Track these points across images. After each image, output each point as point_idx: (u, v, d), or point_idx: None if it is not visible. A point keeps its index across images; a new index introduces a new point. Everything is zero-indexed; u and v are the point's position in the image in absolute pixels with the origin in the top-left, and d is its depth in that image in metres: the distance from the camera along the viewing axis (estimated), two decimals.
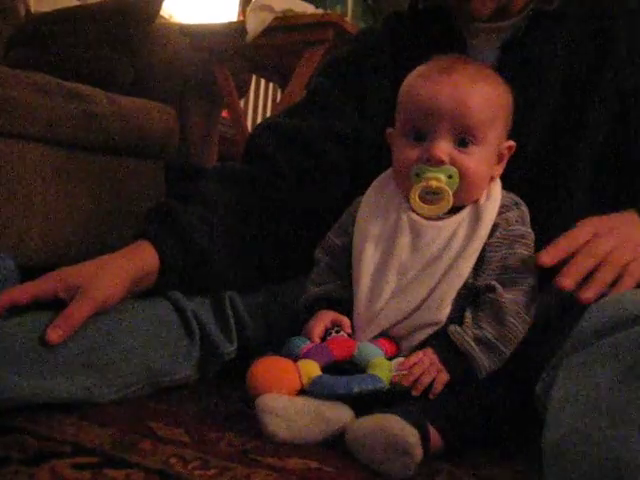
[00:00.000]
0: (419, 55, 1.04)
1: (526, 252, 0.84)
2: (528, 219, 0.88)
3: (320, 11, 2.08)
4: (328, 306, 0.88)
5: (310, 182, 1.08)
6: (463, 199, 0.85)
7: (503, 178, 0.91)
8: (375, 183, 0.94)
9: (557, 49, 1.00)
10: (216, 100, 2.29)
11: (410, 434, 0.70)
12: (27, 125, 1.63)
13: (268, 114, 3.45)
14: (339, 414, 0.77)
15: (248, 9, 2.10)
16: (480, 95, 0.84)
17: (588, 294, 0.76)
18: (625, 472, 0.50)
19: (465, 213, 0.85)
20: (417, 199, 0.84)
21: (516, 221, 0.86)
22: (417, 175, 0.84)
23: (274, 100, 3.49)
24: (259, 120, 3.54)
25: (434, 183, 0.82)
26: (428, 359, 0.78)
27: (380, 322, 0.83)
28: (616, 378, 0.60)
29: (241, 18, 2.71)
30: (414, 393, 0.76)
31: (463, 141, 0.83)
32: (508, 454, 0.80)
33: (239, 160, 1.13)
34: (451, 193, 0.83)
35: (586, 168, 0.98)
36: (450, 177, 0.83)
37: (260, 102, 3.51)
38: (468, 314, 0.82)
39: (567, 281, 0.77)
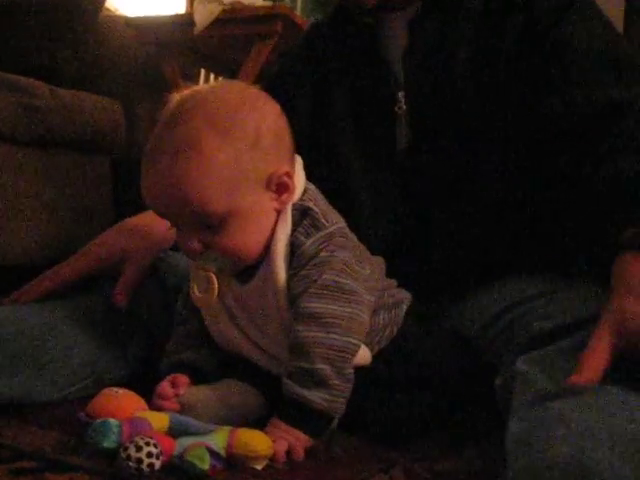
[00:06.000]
0: (336, 57, 1.04)
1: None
2: (321, 218, 0.78)
3: (269, 3, 2.05)
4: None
5: None
6: (246, 262, 0.78)
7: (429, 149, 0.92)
8: None
9: (465, 21, 0.96)
10: (163, 94, 2.25)
11: None
12: None
13: None
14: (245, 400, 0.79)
15: (196, 1, 2.06)
16: (189, 179, 0.72)
17: None
18: (590, 473, 0.49)
19: (262, 268, 0.79)
20: (195, 291, 0.78)
21: (308, 234, 0.77)
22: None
23: None
24: None
25: (201, 273, 0.77)
26: (280, 430, 0.71)
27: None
28: None
29: (189, 10, 2.66)
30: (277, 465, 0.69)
31: (207, 225, 0.75)
32: (462, 445, 0.79)
33: None
34: (215, 280, 0.76)
35: (499, 140, 0.93)
36: (216, 259, 0.76)
37: None
38: None
39: None
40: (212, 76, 3.35)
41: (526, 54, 0.92)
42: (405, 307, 0.88)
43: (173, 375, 0.80)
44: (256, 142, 0.75)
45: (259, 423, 0.74)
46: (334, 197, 0.84)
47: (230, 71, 2.42)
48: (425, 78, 0.95)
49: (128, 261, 0.92)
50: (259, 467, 0.68)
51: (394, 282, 0.90)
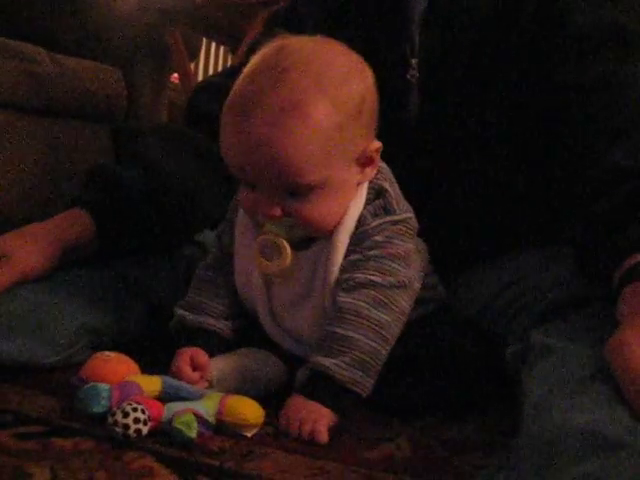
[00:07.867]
0: (356, 8, 1.00)
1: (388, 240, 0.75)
2: (394, 203, 0.76)
3: None
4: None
5: None
6: (322, 234, 0.75)
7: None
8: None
9: None
10: (165, 63, 2.23)
11: None
12: None
13: None
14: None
15: None
16: (290, 143, 0.67)
17: None
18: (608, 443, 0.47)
19: (323, 240, 0.76)
20: (258, 255, 0.75)
21: (376, 214, 0.75)
22: (259, 224, 0.76)
23: (225, 64, 3.43)
24: None
25: (271, 238, 0.73)
26: (299, 410, 0.69)
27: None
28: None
29: None
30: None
31: (294, 192, 0.71)
32: (465, 417, 0.79)
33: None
34: (288, 248, 0.73)
35: (502, 116, 0.93)
36: (292, 227, 0.73)
37: (210, 66, 3.44)
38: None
39: None
40: (214, 45, 3.33)
41: (538, 28, 0.90)
42: (434, 304, 0.86)
43: (191, 350, 0.76)
44: (360, 114, 0.71)
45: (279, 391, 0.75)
46: None
47: (233, 39, 2.39)
48: (440, 48, 0.93)
49: None
50: (249, 435, 0.67)
51: (432, 267, 0.88)
